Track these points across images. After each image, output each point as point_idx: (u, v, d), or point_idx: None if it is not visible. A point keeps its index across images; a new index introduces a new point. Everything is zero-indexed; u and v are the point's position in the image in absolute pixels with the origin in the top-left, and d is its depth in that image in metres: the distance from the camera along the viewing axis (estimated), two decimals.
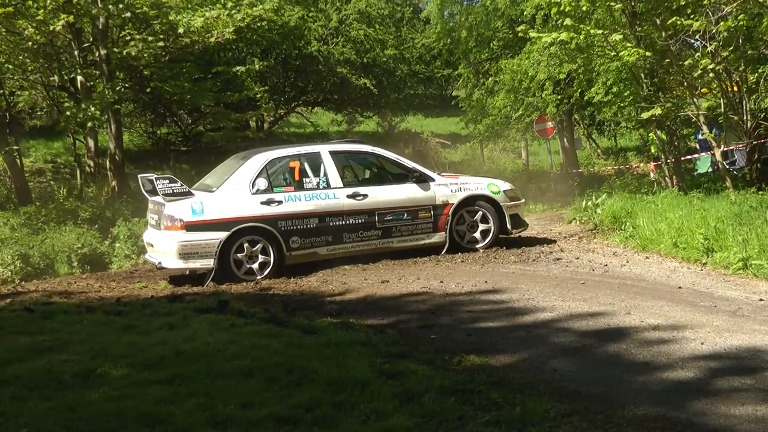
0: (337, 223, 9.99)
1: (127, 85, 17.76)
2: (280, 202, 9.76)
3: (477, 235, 10.63)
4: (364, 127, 28.58)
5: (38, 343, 6.29)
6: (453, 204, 10.47)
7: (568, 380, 5.17)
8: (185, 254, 9.35)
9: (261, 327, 6.62)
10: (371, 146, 10.99)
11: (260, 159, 10.02)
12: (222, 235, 9.40)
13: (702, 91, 13.88)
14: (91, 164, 17.33)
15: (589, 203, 13.31)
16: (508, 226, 10.69)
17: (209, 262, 9.39)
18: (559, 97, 19.54)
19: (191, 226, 9.37)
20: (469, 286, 8.29)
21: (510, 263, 9.73)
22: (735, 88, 13.08)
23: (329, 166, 10.18)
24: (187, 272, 9.71)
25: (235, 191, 9.69)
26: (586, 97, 17.03)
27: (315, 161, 10.24)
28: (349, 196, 10.10)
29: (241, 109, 20.42)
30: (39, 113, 20.12)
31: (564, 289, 7.87)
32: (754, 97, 12.99)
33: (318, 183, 10.09)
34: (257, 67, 20.48)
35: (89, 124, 15.68)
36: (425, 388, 4.87)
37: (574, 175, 22.00)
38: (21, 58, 15.24)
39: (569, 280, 8.44)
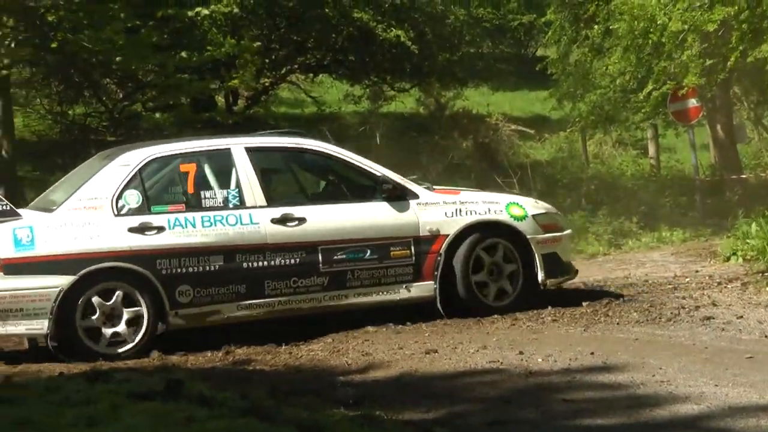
0: (256, 264, 9.83)
1: (21, 37, 17.92)
2: (161, 229, 9.61)
3: (506, 284, 10.52)
4: (397, 105, 28.52)
5: None
6: (448, 235, 10.28)
7: None
8: (1, 312, 9.21)
9: (235, 422, 6.59)
10: (316, 141, 11.05)
11: (131, 159, 9.93)
12: (63, 281, 9.22)
13: None
14: None
15: (759, 229, 13.26)
16: (538, 273, 10.53)
17: (41, 326, 9.23)
18: (709, 59, 19.50)
19: (12, 266, 9.23)
20: (566, 359, 8.32)
21: (630, 324, 9.76)
22: None
23: (245, 171, 10.04)
24: (27, 344, 9.79)
25: (88, 211, 9.54)
26: (750, 58, 16.97)
27: (222, 164, 10.18)
28: (275, 221, 9.94)
29: (203, 75, 20.49)
30: None
31: (719, 367, 7.86)
32: None
33: (226, 199, 9.98)
34: (225, 9, 20.54)
35: None
36: None
37: (735, 183, 21.89)
38: None
39: (727, 352, 8.44)
